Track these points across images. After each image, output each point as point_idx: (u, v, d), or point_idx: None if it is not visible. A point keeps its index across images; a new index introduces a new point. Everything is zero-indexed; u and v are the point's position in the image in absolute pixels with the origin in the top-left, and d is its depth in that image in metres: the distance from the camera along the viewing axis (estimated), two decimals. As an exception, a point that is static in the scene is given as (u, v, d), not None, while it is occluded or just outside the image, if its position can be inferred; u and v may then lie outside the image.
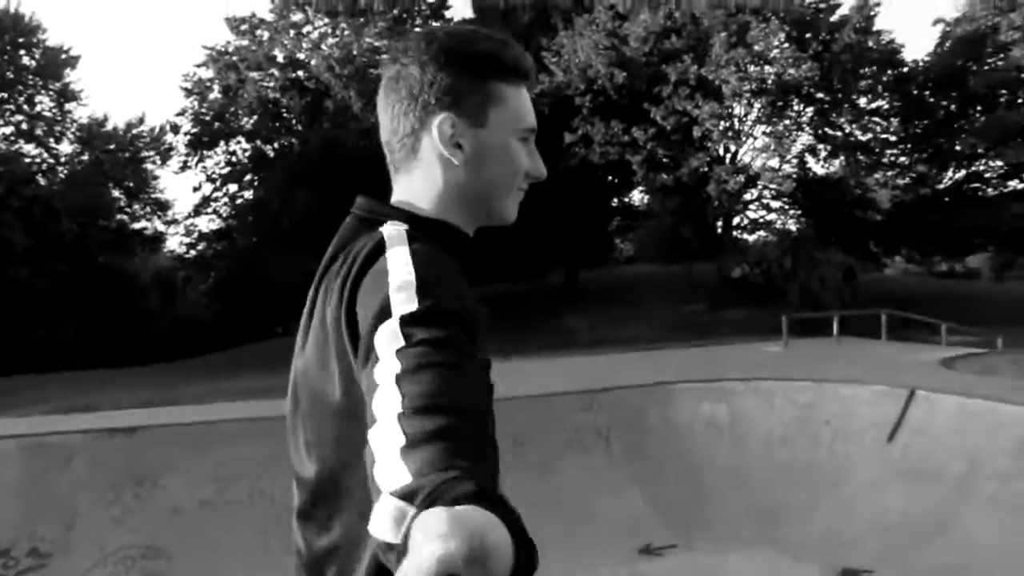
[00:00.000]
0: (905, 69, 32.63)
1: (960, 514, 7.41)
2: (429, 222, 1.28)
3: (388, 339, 0.99)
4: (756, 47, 27.88)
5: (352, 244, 1.25)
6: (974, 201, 32.77)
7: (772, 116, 29.40)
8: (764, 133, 30.38)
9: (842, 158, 32.24)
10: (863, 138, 32.23)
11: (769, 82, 28.21)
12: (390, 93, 1.32)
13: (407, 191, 1.33)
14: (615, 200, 36.44)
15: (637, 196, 36.27)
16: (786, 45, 28.48)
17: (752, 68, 28.17)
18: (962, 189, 33.74)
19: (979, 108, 32.28)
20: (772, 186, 29.96)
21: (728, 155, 30.86)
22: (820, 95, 30.29)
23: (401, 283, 1.06)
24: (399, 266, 1.10)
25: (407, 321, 1.00)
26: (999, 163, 32.82)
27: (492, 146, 1.30)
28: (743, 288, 29.49)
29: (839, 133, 31.73)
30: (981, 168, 33.86)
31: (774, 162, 30.56)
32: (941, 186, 34.06)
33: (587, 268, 35.42)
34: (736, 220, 33.57)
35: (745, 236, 34.73)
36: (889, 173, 33.72)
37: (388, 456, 0.83)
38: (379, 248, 1.17)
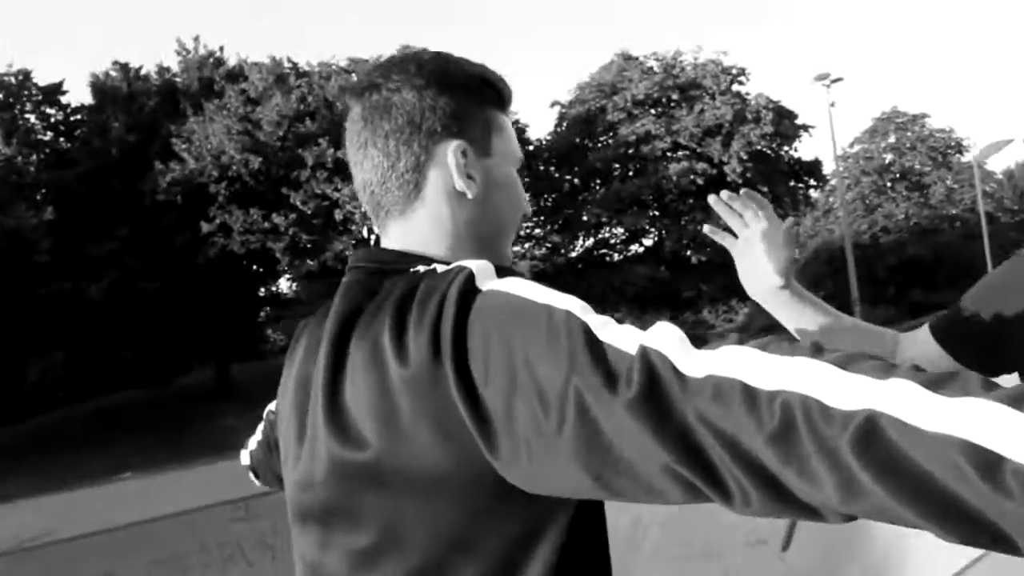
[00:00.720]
0: (531, 147, 34.74)
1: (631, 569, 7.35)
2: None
3: (667, 349, 0.78)
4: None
5: (374, 299, 1.04)
6: (604, 265, 35.43)
7: (412, 196, 29.89)
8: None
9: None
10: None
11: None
12: (378, 125, 1.12)
13: (406, 239, 1.13)
14: (262, 290, 35.33)
15: (284, 284, 35.41)
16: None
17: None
18: (592, 255, 36.37)
19: (598, 181, 35.05)
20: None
21: (372, 237, 30.81)
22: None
23: (574, 305, 0.87)
24: (540, 291, 0.91)
25: (664, 331, 0.80)
26: (620, 230, 35.68)
27: (499, 178, 1.16)
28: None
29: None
30: (606, 235, 36.69)
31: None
32: (574, 254, 36.49)
33: (239, 362, 33.87)
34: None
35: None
36: (527, 245, 35.53)
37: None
38: (469, 287, 0.94)
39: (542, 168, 35.12)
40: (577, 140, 34.69)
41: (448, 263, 1.07)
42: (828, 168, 38.49)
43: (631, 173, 34.64)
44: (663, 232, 35.37)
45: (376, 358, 0.96)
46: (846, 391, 0.66)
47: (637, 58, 35.63)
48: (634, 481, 0.77)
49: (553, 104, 36.38)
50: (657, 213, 35.31)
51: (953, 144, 47.83)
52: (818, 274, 46.30)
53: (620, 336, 0.81)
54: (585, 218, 35.07)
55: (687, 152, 33.30)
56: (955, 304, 1.46)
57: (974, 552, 5.81)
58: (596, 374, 0.77)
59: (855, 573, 7.19)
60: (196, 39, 31.60)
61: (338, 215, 27.94)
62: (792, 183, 36.64)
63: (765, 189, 34.91)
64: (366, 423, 0.96)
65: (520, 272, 1.03)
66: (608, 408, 0.76)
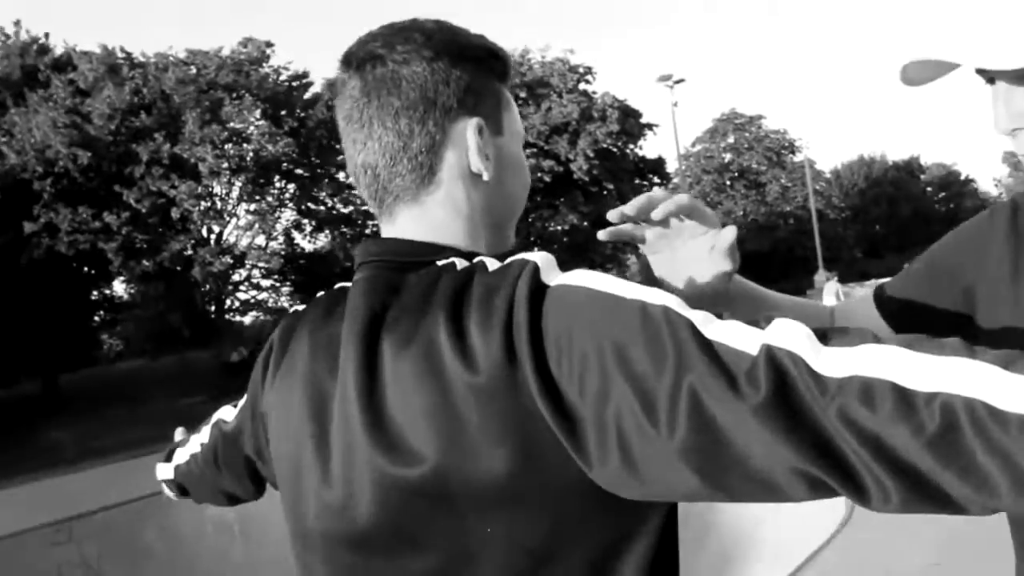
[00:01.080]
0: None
1: None
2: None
3: (798, 349, 0.74)
4: (231, 124, 27.35)
5: (399, 296, 0.98)
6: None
7: (254, 193, 29.06)
8: (247, 211, 29.93)
9: (327, 231, 32.73)
10: (345, 210, 33.12)
11: (248, 159, 27.81)
12: (386, 101, 1.02)
13: (419, 227, 1.05)
14: (95, 293, 33.47)
15: (120, 286, 33.68)
16: (262, 122, 28.35)
17: (229, 146, 27.59)
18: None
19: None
20: (261, 264, 29.51)
21: (212, 236, 29.84)
22: (300, 171, 30.60)
23: (670, 300, 0.82)
24: (622, 284, 0.85)
25: (790, 329, 0.76)
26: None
27: (510, 157, 1.09)
28: (245, 372, 28.49)
29: (322, 207, 32.27)
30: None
31: (260, 240, 30.22)
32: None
33: (71, 371, 31.94)
34: (228, 302, 32.51)
35: (240, 318, 33.79)
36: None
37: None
38: (538, 283, 0.88)
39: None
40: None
41: (468, 252, 1.00)
42: (671, 166, 39.57)
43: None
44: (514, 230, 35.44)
45: (431, 364, 0.88)
46: (1013, 392, 0.65)
47: (486, 56, 35.54)
48: (751, 481, 0.74)
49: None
50: (506, 211, 35.38)
51: (787, 144, 50.10)
52: (662, 270, 47.52)
53: (731, 333, 0.77)
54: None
55: (535, 150, 33.44)
56: (900, 274, 1.41)
57: (823, 537, 5.92)
58: (712, 374, 0.74)
59: (703, 563, 7.28)
60: (17, 23, 29.69)
61: (175, 213, 26.82)
62: (637, 180, 37.39)
63: (611, 186, 35.57)
64: (421, 436, 0.88)
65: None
66: (730, 410, 0.72)
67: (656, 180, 38.81)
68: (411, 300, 0.95)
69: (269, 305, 33.02)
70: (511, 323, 0.85)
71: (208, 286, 28.36)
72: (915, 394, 0.67)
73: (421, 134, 1.03)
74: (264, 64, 30.26)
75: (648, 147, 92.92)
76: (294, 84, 31.28)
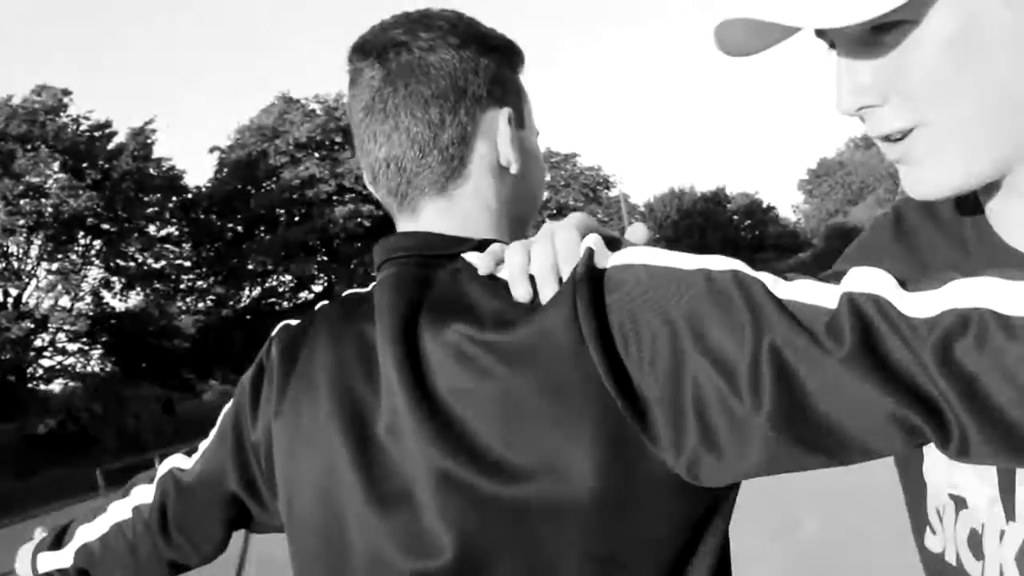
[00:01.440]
0: (189, 195, 33.05)
1: None
2: None
3: (883, 291, 0.70)
4: (26, 178, 25.78)
5: (432, 292, 0.93)
6: (273, 315, 34.26)
7: (55, 251, 27.45)
8: (48, 271, 28.20)
9: (139, 288, 31.27)
10: (157, 266, 31.86)
11: (47, 215, 26.24)
12: (414, 89, 0.98)
13: (445, 220, 1.00)
14: None
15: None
16: (61, 175, 26.87)
17: (24, 201, 25.96)
18: (260, 305, 35.06)
19: (263, 228, 33.92)
20: (66, 327, 27.81)
21: (9, 299, 27.92)
22: (106, 226, 29.15)
23: (736, 264, 0.78)
24: (680, 256, 0.81)
25: (872, 275, 0.72)
26: (288, 277, 34.79)
27: (532, 150, 1.07)
28: (54, 444, 26.87)
29: (132, 263, 30.84)
30: (274, 283, 35.63)
31: (64, 301, 28.51)
32: (241, 305, 34.98)
33: None
34: (31, 370, 30.40)
35: (46, 386, 31.67)
36: (189, 299, 33.65)
37: None
38: (592, 265, 0.82)
39: (203, 216, 33.44)
40: (239, 186, 33.35)
41: (497, 244, 0.94)
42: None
43: (296, 218, 33.89)
44: (332, 277, 34.82)
45: (485, 361, 0.84)
46: None
47: (298, 100, 34.99)
48: (847, 439, 0.70)
49: (212, 150, 34.78)
50: (325, 258, 34.74)
51: (601, 180, 51.42)
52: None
53: (805, 291, 0.72)
54: (251, 267, 33.80)
55: (353, 195, 33.01)
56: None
57: None
58: (793, 330, 0.70)
59: None
60: None
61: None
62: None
63: (432, 229, 35.48)
64: (491, 439, 0.83)
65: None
66: (819, 366, 0.68)
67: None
68: (447, 293, 0.92)
69: (78, 371, 31.11)
70: (575, 312, 0.79)
71: (6, 353, 26.41)
72: (1018, 321, 0.62)
73: (453, 124, 0.98)
74: (62, 113, 28.72)
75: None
76: (96, 134, 29.80)
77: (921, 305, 0.66)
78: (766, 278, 0.74)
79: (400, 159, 1.00)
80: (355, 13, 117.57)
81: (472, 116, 0.99)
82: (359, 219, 32.61)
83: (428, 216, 1.01)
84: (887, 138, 0.79)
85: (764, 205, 66.47)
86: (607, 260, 0.83)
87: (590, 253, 0.82)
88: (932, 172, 0.77)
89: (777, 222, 67.08)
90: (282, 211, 33.96)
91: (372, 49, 1.01)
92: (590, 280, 0.80)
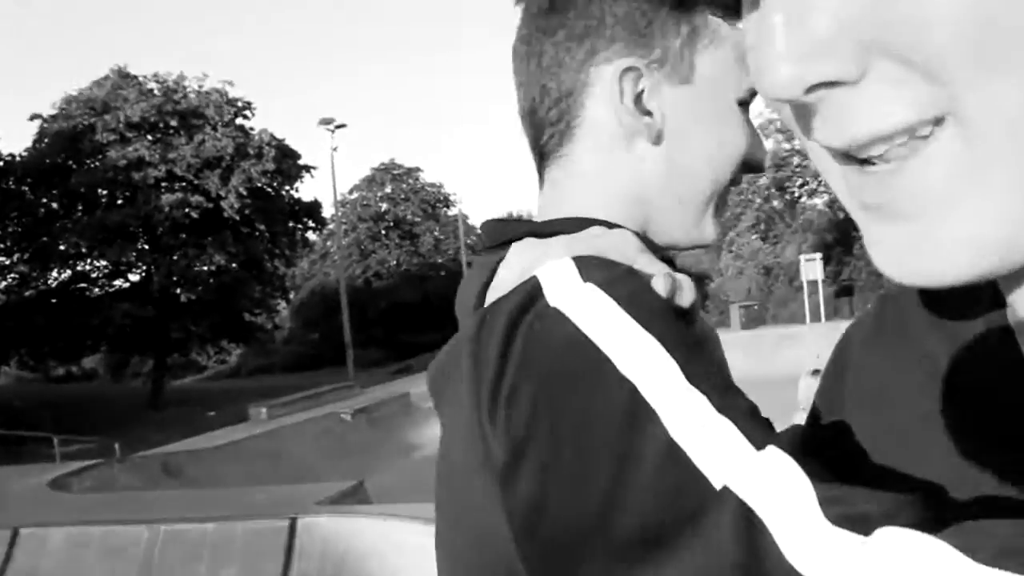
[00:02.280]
0: (1, 163, 30.66)
1: None
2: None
3: (776, 511, 0.48)
4: None
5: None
6: (82, 301, 32.16)
7: None
8: None
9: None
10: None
11: None
12: (533, 37, 0.84)
13: (558, 194, 0.85)
14: None
15: None
16: None
17: None
18: (69, 289, 32.83)
19: (81, 207, 31.86)
20: None
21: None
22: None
23: (655, 362, 0.59)
24: (617, 323, 0.62)
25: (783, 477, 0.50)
26: (103, 262, 32.83)
27: (703, 113, 0.83)
28: None
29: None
30: (87, 267, 33.51)
31: None
32: (47, 286, 32.62)
33: None
34: None
35: None
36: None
37: None
38: (525, 304, 0.67)
39: (14, 187, 31.05)
40: (60, 159, 31.10)
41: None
42: (328, 212, 38.87)
43: (119, 201, 31.87)
44: (152, 267, 32.99)
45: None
46: None
47: (136, 77, 32.97)
48: None
49: (33, 117, 32.29)
50: (146, 246, 32.87)
51: (442, 198, 51.35)
52: (313, 316, 46.78)
53: (705, 445, 0.51)
54: (63, 247, 31.56)
55: (183, 183, 31.39)
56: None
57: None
58: (640, 522, 0.50)
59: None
60: None
61: None
62: (291, 223, 36.33)
63: (263, 227, 34.27)
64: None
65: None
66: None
67: (311, 224, 37.98)
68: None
69: None
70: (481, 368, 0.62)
71: None
72: None
73: (561, 75, 0.82)
74: None
75: (305, 190, 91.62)
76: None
77: (819, 555, 0.42)
78: (690, 403, 0.53)
79: (525, 118, 0.89)
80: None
81: (584, 66, 0.81)
82: (187, 209, 30.99)
83: (542, 192, 0.89)
84: (867, 157, 0.40)
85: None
86: (556, 294, 0.61)
87: (536, 284, 0.63)
88: (964, 224, 0.38)
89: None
90: (104, 192, 31.95)
91: None
92: (510, 323, 0.61)
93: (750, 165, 0.87)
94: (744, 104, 0.85)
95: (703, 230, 0.86)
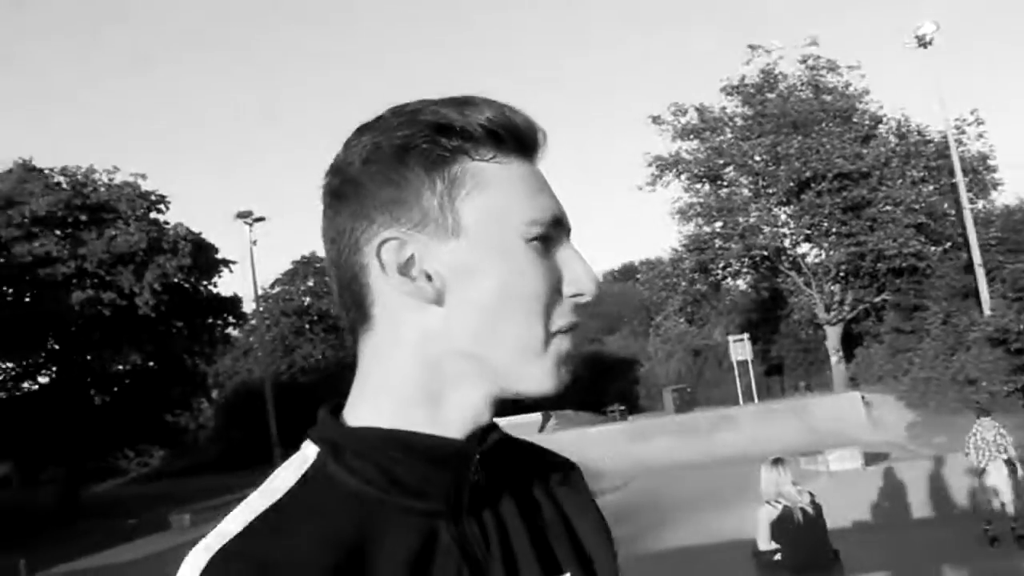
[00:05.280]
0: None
1: None
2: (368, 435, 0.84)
3: None
4: None
5: None
6: None
7: None
8: None
9: None
10: None
11: None
12: (325, 225, 0.88)
13: (364, 371, 0.87)
14: None
15: None
16: None
17: None
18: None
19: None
20: None
21: None
22: None
23: None
24: None
25: None
26: (9, 364, 31.41)
27: (483, 259, 0.82)
28: None
29: None
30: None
31: None
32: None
33: None
34: None
35: None
36: None
37: None
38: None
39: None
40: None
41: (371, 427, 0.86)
42: (248, 306, 37.79)
43: (27, 299, 30.49)
44: (63, 369, 31.49)
45: None
46: None
47: (42, 170, 32.01)
48: None
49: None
50: (56, 346, 31.41)
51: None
52: (238, 414, 45.15)
53: None
54: (-35, 349, 30.01)
55: (95, 280, 30.22)
56: None
57: None
58: None
59: None
60: None
61: None
62: (210, 319, 35.23)
63: (180, 324, 33.12)
64: None
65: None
66: None
67: (231, 319, 36.91)
68: None
69: None
70: None
71: None
72: None
73: (341, 263, 0.86)
74: None
75: (225, 285, 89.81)
76: None
77: None
78: None
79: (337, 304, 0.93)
80: (105, 82, 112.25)
81: (359, 248, 0.84)
82: (99, 306, 29.77)
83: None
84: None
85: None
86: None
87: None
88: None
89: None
90: (10, 289, 30.57)
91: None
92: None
93: (569, 295, 0.85)
94: (536, 239, 0.83)
95: (535, 377, 0.83)
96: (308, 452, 0.82)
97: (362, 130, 0.85)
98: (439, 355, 0.82)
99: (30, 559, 16.08)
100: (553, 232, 0.85)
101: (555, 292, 0.83)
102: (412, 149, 0.81)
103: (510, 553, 0.83)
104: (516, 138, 0.85)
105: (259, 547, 0.72)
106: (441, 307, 0.81)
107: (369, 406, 0.83)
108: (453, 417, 0.82)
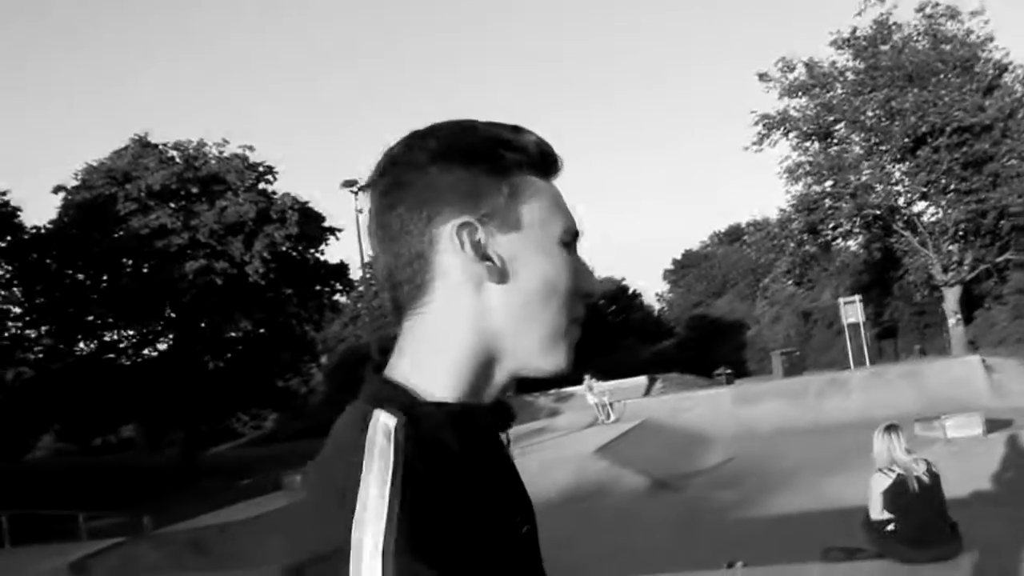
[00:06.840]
0: (26, 236, 30.67)
1: None
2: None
3: None
4: None
5: None
6: (110, 371, 31.74)
7: None
8: None
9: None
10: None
11: None
12: (383, 212, 1.00)
13: (415, 339, 0.99)
14: None
15: None
16: None
17: None
18: (97, 360, 32.49)
19: (106, 277, 31.72)
20: None
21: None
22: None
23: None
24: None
25: None
26: (130, 332, 32.55)
27: (533, 252, 1.00)
28: None
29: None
30: (114, 337, 33.27)
31: None
32: (73, 358, 32.26)
33: None
34: None
35: None
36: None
37: None
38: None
39: (37, 259, 30.95)
40: (83, 231, 30.95)
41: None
42: (356, 274, 38.34)
43: (144, 270, 31.64)
44: (179, 336, 32.62)
45: None
46: None
47: (156, 145, 33.06)
48: None
49: (57, 189, 32.37)
50: (173, 315, 32.56)
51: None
52: (347, 379, 46.15)
53: None
54: (90, 318, 31.29)
55: (207, 250, 31.14)
56: None
57: None
58: None
59: None
60: None
61: None
62: (318, 286, 35.95)
63: (289, 291, 33.88)
64: None
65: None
66: None
67: (339, 287, 37.59)
68: None
69: None
70: None
71: None
72: None
73: (408, 241, 0.98)
74: None
75: (332, 252, 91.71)
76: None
77: None
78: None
79: (385, 281, 1.03)
80: (228, 61, 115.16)
81: (429, 229, 0.96)
82: (211, 275, 30.70)
83: (398, 348, 1.01)
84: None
85: (630, 291, 67.08)
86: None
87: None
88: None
89: (642, 309, 67.70)
90: (129, 261, 31.76)
91: (371, 180, 1.06)
92: None
93: (583, 294, 1.03)
94: (566, 244, 1.01)
95: (554, 358, 0.99)
96: (387, 422, 0.89)
97: (423, 135, 1.00)
98: (491, 331, 0.96)
99: (155, 516, 16.75)
100: (574, 241, 1.03)
101: (575, 289, 1.01)
102: (481, 155, 0.98)
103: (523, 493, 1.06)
104: (552, 163, 1.04)
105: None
106: (501, 286, 0.96)
107: (427, 373, 0.95)
108: (491, 391, 0.98)
